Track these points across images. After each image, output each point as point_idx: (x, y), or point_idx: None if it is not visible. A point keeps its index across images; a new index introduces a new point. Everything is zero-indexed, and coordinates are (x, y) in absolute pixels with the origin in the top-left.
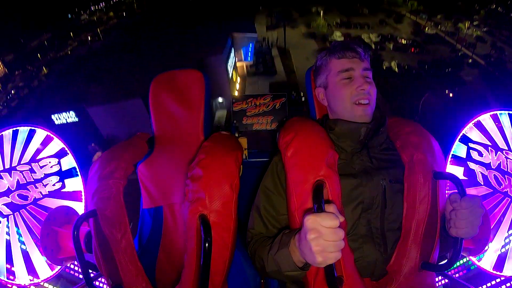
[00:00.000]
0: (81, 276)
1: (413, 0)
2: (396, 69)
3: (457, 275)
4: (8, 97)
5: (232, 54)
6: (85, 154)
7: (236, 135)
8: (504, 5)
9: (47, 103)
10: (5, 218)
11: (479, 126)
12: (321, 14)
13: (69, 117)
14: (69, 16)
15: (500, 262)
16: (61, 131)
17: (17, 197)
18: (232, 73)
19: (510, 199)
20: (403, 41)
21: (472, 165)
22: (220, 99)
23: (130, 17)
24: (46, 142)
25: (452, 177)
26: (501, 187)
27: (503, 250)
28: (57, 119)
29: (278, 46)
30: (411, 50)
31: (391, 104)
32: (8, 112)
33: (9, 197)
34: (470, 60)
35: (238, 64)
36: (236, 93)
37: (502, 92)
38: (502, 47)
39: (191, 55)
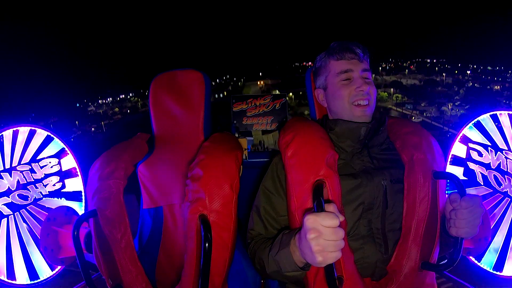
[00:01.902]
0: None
1: (397, 94)
2: None
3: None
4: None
5: None
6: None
7: (236, 135)
8: (480, 81)
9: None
10: (5, 218)
11: (479, 126)
12: None
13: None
14: (77, 105)
15: (500, 262)
16: None
17: (17, 197)
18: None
19: (510, 199)
20: None
21: (472, 165)
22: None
23: (133, 115)
24: (46, 142)
25: (452, 177)
26: (501, 187)
27: (503, 250)
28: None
29: (273, 149)
30: None
31: None
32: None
33: (9, 197)
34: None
35: None
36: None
37: None
38: None
39: None
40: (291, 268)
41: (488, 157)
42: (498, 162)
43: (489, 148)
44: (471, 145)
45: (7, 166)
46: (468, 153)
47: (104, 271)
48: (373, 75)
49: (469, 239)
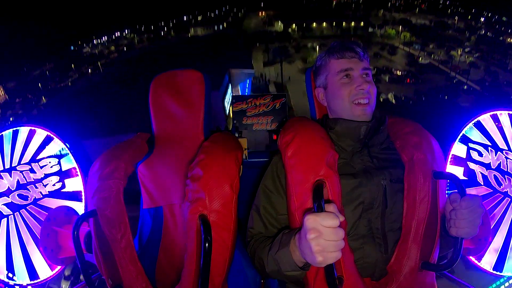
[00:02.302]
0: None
1: (406, 32)
2: (393, 101)
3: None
4: (7, 124)
5: (229, 90)
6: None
7: (236, 135)
8: (493, 30)
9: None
10: (5, 218)
11: (479, 126)
12: (317, 50)
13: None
14: (72, 48)
15: (500, 262)
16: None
17: (17, 197)
18: (229, 109)
19: (510, 199)
20: (399, 73)
21: (472, 165)
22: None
23: (130, 52)
24: (46, 142)
25: (452, 177)
26: (501, 187)
27: (503, 250)
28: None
29: (275, 82)
30: (407, 81)
31: None
32: None
33: (9, 197)
34: (465, 87)
35: None
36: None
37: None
38: (496, 71)
39: None
40: (291, 267)
41: (488, 157)
42: (498, 162)
43: (489, 148)
44: (471, 145)
45: (7, 166)
46: (468, 153)
47: (104, 271)
48: (381, 11)
49: (469, 239)
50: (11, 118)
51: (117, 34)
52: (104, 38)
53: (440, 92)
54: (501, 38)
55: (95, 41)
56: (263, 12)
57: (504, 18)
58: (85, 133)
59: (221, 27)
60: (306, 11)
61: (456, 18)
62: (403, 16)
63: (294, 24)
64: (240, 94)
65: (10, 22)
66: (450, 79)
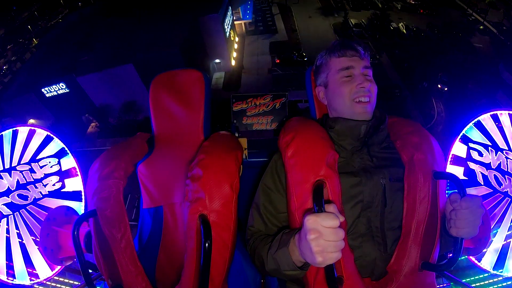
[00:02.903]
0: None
1: None
2: (404, 31)
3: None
4: (1, 73)
5: (229, 12)
6: (79, 125)
7: (236, 135)
8: None
9: (38, 76)
10: (5, 218)
11: (479, 126)
12: None
13: (60, 88)
14: None
15: (500, 262)
16: (53, 103)
17: (17, 197)
18: (229, 32)
19: (510, 199)
20: (412, 1)
21: (472, 165)
22: (217, 60)
23: None
24: (46, 142)
25: (452, 177)
26: (501, 187)
27: (503, 250)
28: (47, 92)
29: (279, 3)
30: (420, 11)
31: (398, 71)
32: (3, 87)
33: (9, 197)
34: (481, 27)
35: (236, 22)
36: (234, 53)
37: None
38: None
39: (185, 15)
40: (289, 267)
41: (488, 157)
42: (499, 162)
43: (489, 148)
44: (471, 145)
45: (7, 166)
46: (468, 153)
47: (104, 271)
48: None
49: (469, 239)
50: (5, 67)
51: None
52: None
53: (455, 29)
54: None
55: None
56: None
57: None
58: (79, 69)
59: None
60: None
61: None
62: None
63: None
64: (241, 16)
65: None
66: (466, 16)
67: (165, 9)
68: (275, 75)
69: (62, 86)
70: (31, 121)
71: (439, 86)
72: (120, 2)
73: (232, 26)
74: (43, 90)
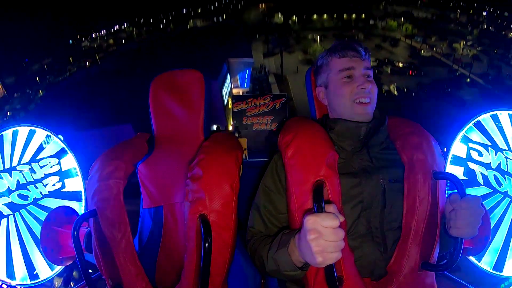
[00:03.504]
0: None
1: (408, 24)
2: (396, 92)
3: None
4: (5, 119)
5: (228, 80)
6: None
7: (236, 135)
8: (495, 25)
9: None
10: (5, 218)
11: (479, 126)
12: (318, 41)
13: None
14: (70, 42)
15: (500, 262)
16: None
17: (17, 197)
18: (227, 99)
19: (510, 199)
20: (400, 65)
21: (472, 165)
22: (214, 127)
23: (128, 44)
24: (46, 142)
25: (452, 177)
26: (501, 187)
27: (503, 250)
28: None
29: (275, 73)
30: (409, 73)
31: None
32: None
33: (9, 197)
34: (468, 80)
35: (234, 90)
36: (232, 121)
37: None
38: (499, 65)
39: None
40: (289, 267)
41: (488, 157)
42: (498, 162)
43: (489, 148)
44: (471, 145)
45: (7, 166)
46: (468, 153)
47: (104, 271)
48: (382, 3)
49: (469, 239)
50: (8, 113)
51: (116, 27)
52: (103, 32)
53: (443, 85)
54: (503, 32)
55: (93, 35)
56: (263, 4)
57: (506, 14)
58: (78, 124)
59: (220, 19)
60: (306, 3)
61: (458, 12)
62: (404, 9)
63: (294, 16)
64: (239, 84)
65: (8, 17)
66: (453, 71)
67: (163, 70)
68: (272, 142)
69: (59, 139)
70: None
71: None
72: (124, 64)
73: (230, 94)
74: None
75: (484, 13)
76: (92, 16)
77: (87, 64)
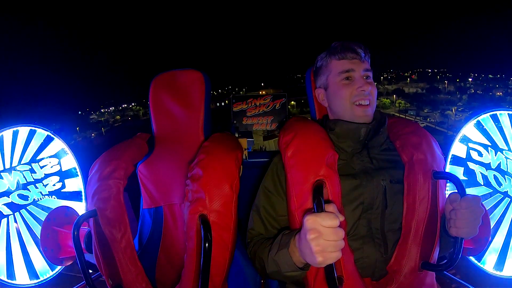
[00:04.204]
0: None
1: (400, 100)
2: None
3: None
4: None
5: None
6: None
7: (236, 135)
8: (482, 87)
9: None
10: (5, 218)
11: (479, 126)
12: None
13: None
14: (79, 113)
15: (500, 262)
16: None
17: (17, 197)
18: None
19: (510, 199)
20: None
21: (472, 165)
22: None
23: (134, 121)
24: (46, 142)
25: (452, 177)
26: (501, 187)
27: (503, 250)
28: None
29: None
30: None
31: None
32: None
33: (9, 197)
34: None
35: None
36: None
37: None
38: None
39: None
40: (290, 268)
41: (488, 157)
42: (498, 162)
43: (489, 148)
44: (471, 145)
45: (7, 166)
46: (468, 153)
47: (104, 271)
48: (375, 83)
49: (469, 239)
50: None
51: (124, 105)
52: (111, 108)
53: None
54: (490, 93)
55: (102, 110)
56: (263, 91)
57: (490, 76)
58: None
59: (222, 104)
60: (303, 90)
61: (446, 82)
62: (395, 87)
63: (293, 101)
64: None
65: (16, 76)
66: (449, 137)
67: None
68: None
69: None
70: None
71: None
72: (127, 136)
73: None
74: None
75: (470, 79)
76: (103, 92)
77: (92, 135)
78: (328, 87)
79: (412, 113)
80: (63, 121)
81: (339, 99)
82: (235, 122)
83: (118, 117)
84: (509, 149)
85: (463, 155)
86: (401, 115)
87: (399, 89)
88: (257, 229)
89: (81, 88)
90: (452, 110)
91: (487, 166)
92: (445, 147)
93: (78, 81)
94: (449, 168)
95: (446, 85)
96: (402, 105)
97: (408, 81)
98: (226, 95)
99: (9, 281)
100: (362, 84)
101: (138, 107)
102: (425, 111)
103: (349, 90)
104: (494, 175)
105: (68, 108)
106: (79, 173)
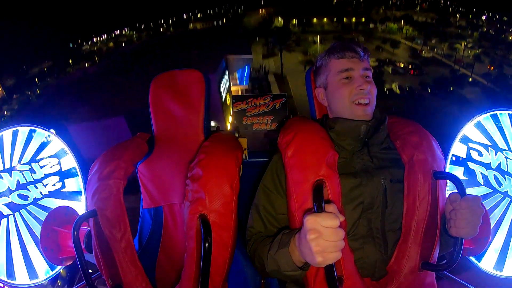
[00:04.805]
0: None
1: (408, 26)
2: (398, 91)
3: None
4: (2, 120)
5: (226, 77)
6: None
7: (236, 135)
8: (495, 28)
9: (33, 123)
10: (5, 218)
11: (479, 126)
12: (318, 43)
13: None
14: (71, 45)
15: (500, 262)
16: None
17: (17, 197)
18: (225, 96)
19: (510, 199)
20: (401, 65)
21: (472, 165)
22: (212, 123)
23: (127, 46)
24: (46, 142)
25: (452, 177)
26: (501, 187)
27: (503, 250)
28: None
29: (275, 73)
30: (411, 73)
31: None
32: None
33: (9, 197)
34: (470, 79)
35: (233, 88)
36: (230, 118)
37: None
38: (501, 65)
39: None
40: (290, 268)
41: (488, 157)
42: (498, 162)
43: (489, 148)
44: (471, 144)
45: (7, 166)
46: (468, 153)
47: (104, 271)
48: (382, 7)
49: (469, 239)
50: (6, 112)
51: (117, 32)
52: (104, 36)
53: (446, 84)
54: (503, 36)
55: (94, 39)
56: (263, 10)
57: (505, 18)
58: (72, 119)
59: (220, 22)
60: (306, 8)
61: (458, 16)
62: (404, 13)
63: (294, 20)
64: (238, 82)
65: (11, 22)
66: (455, 71)
67: (161, 67)
68: (271, 139)
69: (52, 132)
70: None
71: None
72: (122, 62)
73: (229, 91)
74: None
75: (484, 17)
76: (93, 22)
77: (86, 66)
78: (327, 86)
79: (419, 42)
80: (55, 57)
81: (339, 98)
82: (235, 122)
83: (111, 44)
84: (509, 149)
85: (463, 155)
86: (407, 42)
87: (407, 15)
88: (257, 227)
89: (70, 19)
90: (461, 44)
91: (487, 166)
92: (445, 147)
93: (65, 11)
94: (449, 168)
95: (457, 19)
96: (409, 32)
97: (418, 8)
98: (224, 14)
99: (9, 281)
100: (361, 83)
101: (131, 32)
102: (432, 41)
103: (348, 89)
104: (494, 175)
105: (58, 43)
106: (79, 173)
